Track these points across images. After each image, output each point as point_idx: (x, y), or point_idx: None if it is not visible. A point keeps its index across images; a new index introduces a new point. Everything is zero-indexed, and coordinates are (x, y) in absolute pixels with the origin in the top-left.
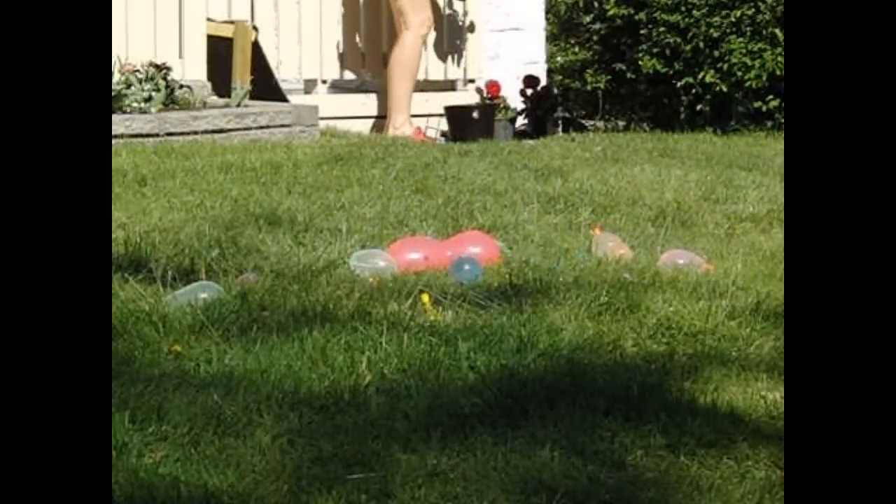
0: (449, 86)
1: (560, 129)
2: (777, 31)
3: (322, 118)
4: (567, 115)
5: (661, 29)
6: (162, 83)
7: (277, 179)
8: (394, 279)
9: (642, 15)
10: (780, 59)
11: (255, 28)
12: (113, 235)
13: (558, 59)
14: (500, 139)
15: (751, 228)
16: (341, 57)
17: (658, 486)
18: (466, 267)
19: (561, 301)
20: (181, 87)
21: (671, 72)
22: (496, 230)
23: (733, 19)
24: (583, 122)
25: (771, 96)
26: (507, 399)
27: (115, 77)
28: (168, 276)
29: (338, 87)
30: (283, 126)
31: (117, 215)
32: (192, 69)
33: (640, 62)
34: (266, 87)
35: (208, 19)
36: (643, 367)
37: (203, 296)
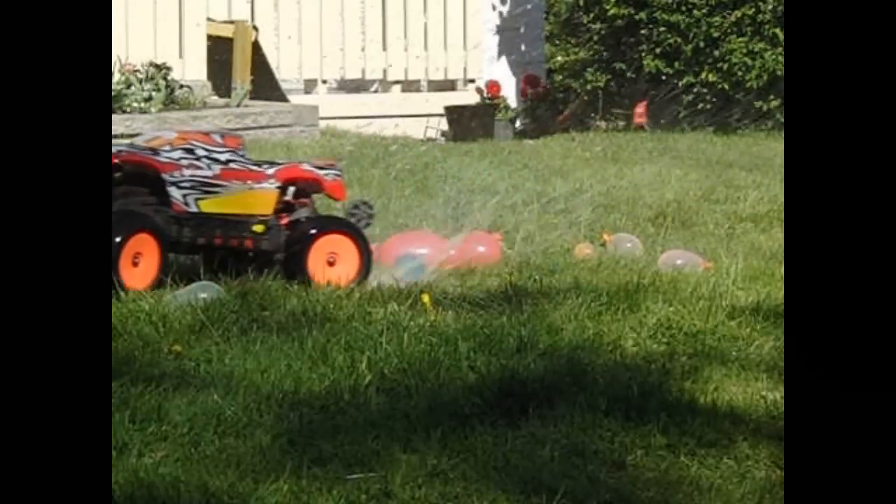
0: (449, 86)
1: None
2: (777, 31)
3: (322, 118)
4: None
5: (662, 29)
6: (162, 83)
7: None
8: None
9: (643, 15)
10: (780, 58)
11: (255, 28)
12: None
13: (558, 58)
14: (500, 139)
15: (751, 228)
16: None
17: (658, 486)
18: (409, 265)
19: (561, 301)
20: (181, 87)
21: (672, 71)
22: (496, 230)
23: (734, 19)
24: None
25: (771, 96)
26: (507, 399)
27: (115, 77)
28: (168, 276)
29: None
30: (283, 126)
31: None
32: (192, 69)
33: (643, 62)
34: (266, 86)
35: (208, 19)
36: (643, 367)
37: (203, 296)
